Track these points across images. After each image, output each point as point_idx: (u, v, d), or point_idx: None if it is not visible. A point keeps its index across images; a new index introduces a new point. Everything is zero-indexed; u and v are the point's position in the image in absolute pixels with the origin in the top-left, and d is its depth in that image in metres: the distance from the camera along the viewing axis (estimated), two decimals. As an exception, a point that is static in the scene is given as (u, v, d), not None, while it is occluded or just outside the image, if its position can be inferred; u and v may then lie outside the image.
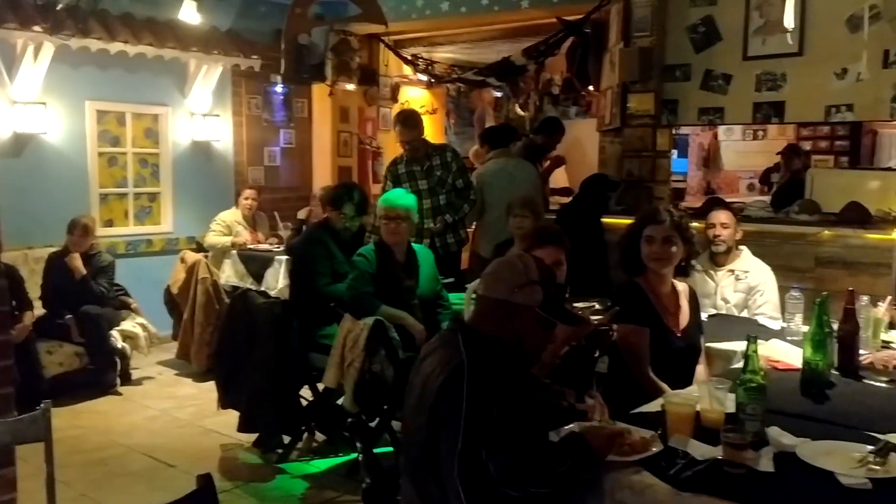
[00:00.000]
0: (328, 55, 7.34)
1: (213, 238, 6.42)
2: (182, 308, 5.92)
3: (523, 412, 2.04)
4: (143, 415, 5.02)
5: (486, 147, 6.18)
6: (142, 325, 5.76)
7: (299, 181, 7.82)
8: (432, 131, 8.83)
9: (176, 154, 6.86)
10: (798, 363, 2.74)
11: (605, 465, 1.99)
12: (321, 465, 4.18)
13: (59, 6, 5.73)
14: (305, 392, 4.35)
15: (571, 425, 2.20)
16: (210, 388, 4.77)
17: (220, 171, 7.18)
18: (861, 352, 2.88)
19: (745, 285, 4.00)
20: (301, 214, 6.88)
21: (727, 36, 5.46)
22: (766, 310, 3.92)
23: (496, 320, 2.16)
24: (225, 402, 4.34)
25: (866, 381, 2.75)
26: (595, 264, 5.01)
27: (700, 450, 2.03)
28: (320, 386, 4.18)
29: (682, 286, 3.10)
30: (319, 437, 4.43)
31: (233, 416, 4.29)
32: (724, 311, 3.98)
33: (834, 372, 2.76)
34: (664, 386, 2.77)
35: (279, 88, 7.52)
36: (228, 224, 6.52)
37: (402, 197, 4.11)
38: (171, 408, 5.13)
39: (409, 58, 8.00)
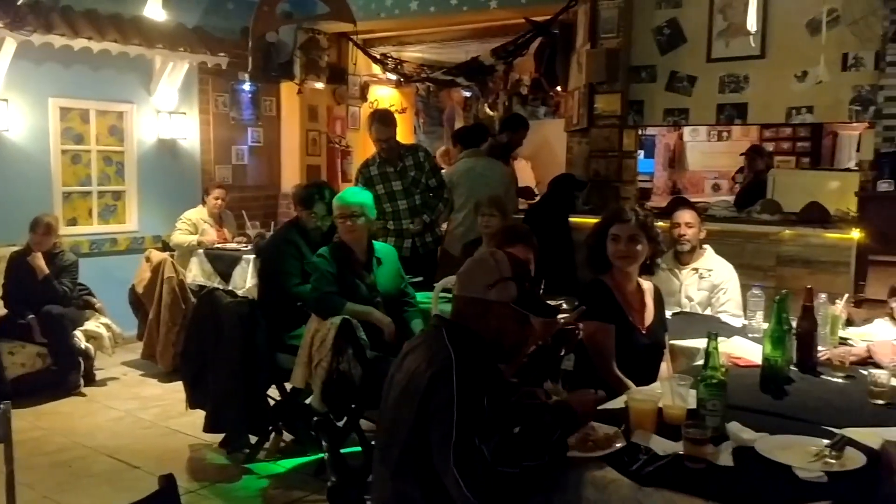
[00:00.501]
0: (296, 53, 7.31)
1: (180, 237, 6.35)
2: (147, 308, 5.85)
3: (511, 400, 2.10)
4: (108, 416, 4.96)
5: (458, 147, 6.22)
6: (106, 325, 5.69)
7: (267, 180, 7.77)
8: (402, 130, 8.79)
9: (141, 152, 6.77)
10: (759, 360, 2.79)
11: (570, 462, 2.02)
12: (288, 464, 4.16)
13: (21, 1, 5.63)
14: (273, 392, 4.33)
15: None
16: (176, 389, 4.73)
17: (187, 170, 7.10)
18: (819, 348, 2.94)
19: (709, 283, 4.07)
20: None
21: (692, 38, 5.55)
22: (729, 307, 3.99)
23: (473, 318, 2.19)
24: (191, 402, 4.30)
25: (824, 376, 2.82)
26: (563, 263, 5.06)
27: (662, 445, 2.07)
28: (288, 386, 4.16)
29: (647, 284, 3.15)
30: (287, 437, 4.41)
31: (199, 416, 4.25)
32: (688, 309, 4.05)
33: (793, 368, 2.81)
34: (629, 383, 2.81)
35: (247, 86, 7.46)
36: (195, 222, 6.45)
37: (356, 194, 4.07)
38: (135, 408, 5.07)
39: (379, 57, 7.99)
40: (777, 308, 2.70)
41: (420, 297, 4.28)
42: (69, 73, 6.25)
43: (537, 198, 6.63)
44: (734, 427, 2.16)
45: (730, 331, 3.51)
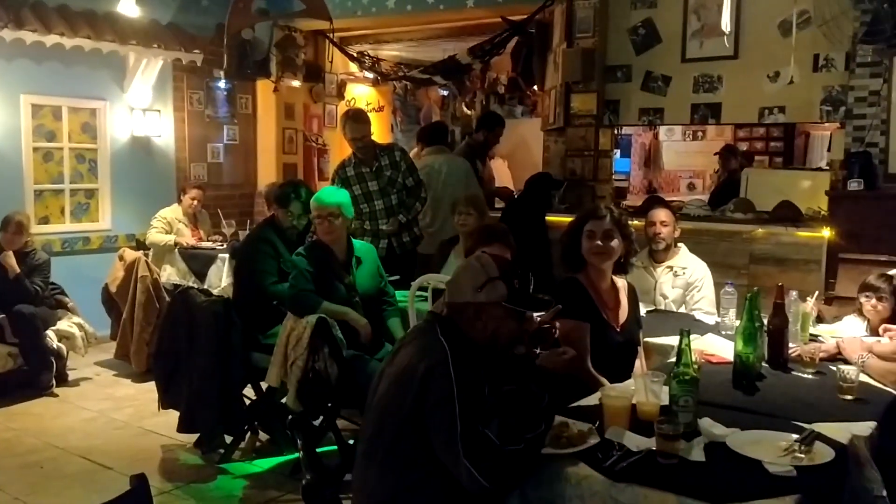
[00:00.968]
0: (272, 51, 7.26)
1: (156, 235, 6.29)
2: (121, 307, 5.79)
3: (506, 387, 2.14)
4: (80, 416, 4.90)
5: (420, 145, 6.28)
6: (78, 325, 5.62)
7: (243, 178, 7.72)
8: (379, 129, 8.82)
9: (114, 150, 6.70)
10: (731, 357, 2.82)
11: (544, 458, 2.03)
12: (264, 464, 4.14)
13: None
14: (249, 391, 4.31)
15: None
16: (149, 389, 4.69)
17: (161, 168, 7.04)
18: (790, 345, 2.99)
19: (683, 281, 4.11)
20: None
21: (666, 38, 5.60)
22: (703, 305, 4.04)
23: (466, 323, 2.20)
24: (165, 402, 4.26)
25: (794, 372, 2.86)
26: (539, 262, 5.08)
27: (635, 441, 2.09)
28: (264, 385, 4.14)
29: (621, 282, 3.17)
30: (263, 436, 4.39)
31: (172, 416, 4.22)
32: (662, 307, 4.08)
33: (764, 364, 2.86)
34: (603, 380, 2.83)
35: (222, 84, 7.40)
36: (169, 221, 6.39)
37: (333, 194, 4.04)
38: (108, 409, 5.02)
39: (355, 55, 7.97)
40: (749, 305, 2.73)
41: (398, 295, 4.28)
42: (41, 69, 6.16)
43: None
44: (706, 423, 2.19)
45: (703, 328, 3.55)
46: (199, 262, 6.10)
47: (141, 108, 6.76)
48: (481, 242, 3.44)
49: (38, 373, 5.26)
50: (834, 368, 2.75)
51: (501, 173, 8.06)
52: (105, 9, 6.30)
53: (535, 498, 2.01)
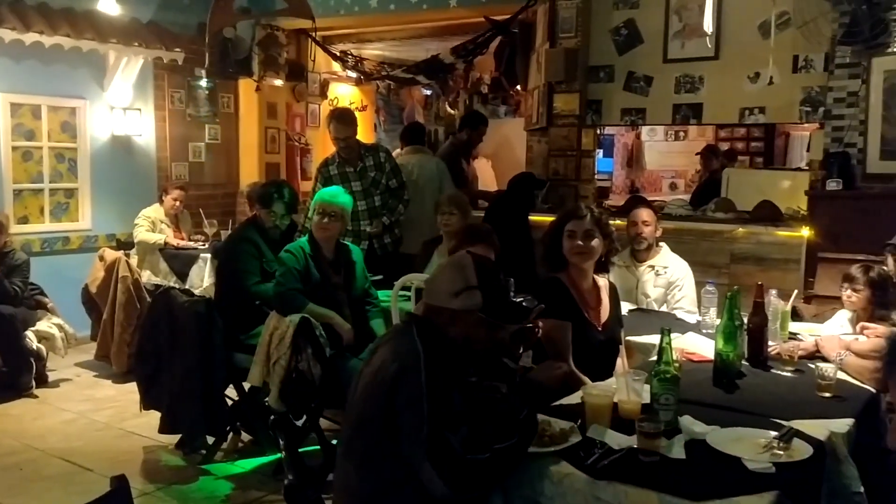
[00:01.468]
0: (255, 50, 7.23)
1: (146, 234, 6.23)
2: (101, 308, 5.74)
3: (480, 391, 2.12)
4: (60, 418, 4.86)
5: (402, 145, 6.33)
6: (58, 326, 5.56)
7: (225, 178, 7.67)
8: (362, 128, 8.78)
9: (95, 149, 6.64)
10: (712, 355, 2.85)
11: (526, 456, 2.03)
12: (246, 465, 4.12)
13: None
14: (231, 392, 4.29)
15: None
16: (130, 390, 4.65)
17: (142, 167, 6.98)
18: (769, 343, 3.02)
19: (665, 280, 4.14)
20: None
21: (648, 39, 5.64)
22: (684, 304, 4.07)
23: (441, 325, 2.19)
24: (146, 403, 4.24)
25: (774, 370, 2.89)
26: (522, 261, 5.09)
27: (616, 439, 2.10)
28: (246, 385, 4.12)
29: (602, 281, 3.19)
30: (246, 437, 4.37)
31: (154, 417, 4.19)
32: (644, 306, 4.11)
33: (744, 362, 2.88)
34: (585, 379, 2.84)
35: (204, 82, 7.35)
36: (153, 220, 6.35)
37: (341, 195, 4.10)
38: (88, 410, 4.98)
39: (338, 54, 7.95)
40: (729, 304, 2.76)
41: (381, 295, 4.28)
42: (20, 67, 6.09)
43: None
44: (686, 420, 2.21)
45: (685, 327, 3.58)
46: (180, 262, 6.07)
47: (121, 107, 6.71)
48: (465, 242, 3.45)
49: (18, 374, 5.20)
50: (812, 366, 2.78)
51: (485, 173, 8.07)
52: (85, 7, 6.25)
53: (517, 496, 2.02)
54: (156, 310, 4.29)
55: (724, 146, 9.56)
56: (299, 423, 3.85)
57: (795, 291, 3.53)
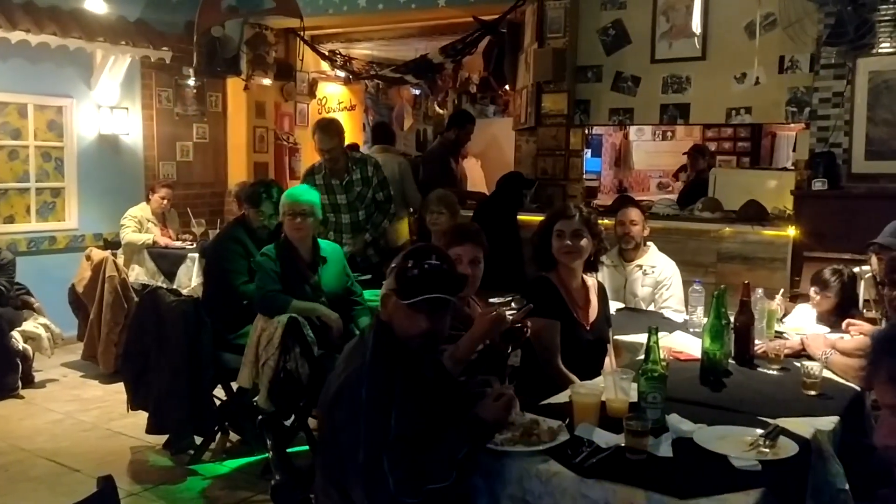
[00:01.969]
0: (243, 49, 7.21)
1: (133, 235, 6.20)
2: (88, 308, 5.71)
3: (424, 411, 2.00)
4: (46, 418, 4.83)
5: (371, 142, 6.42)
6: (45, 326, 5.53)
7: (213, 177, 7.64)
8: (351, 128, 8.79)
9: (81, 148, 6.60)
10: (699, 354, 2.86)
11: (514, 455, 2.04)
12: (234, 465, 4.11)
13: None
14: (220, 392, 4.27)
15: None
16: (117, 390, 4.63)
17: (129, 166, 6.95)
18: (756, 342, 3.04)
19: (653, 280, 4.16)
20: None
21: (636, 39, 5.66)
22: (672, 303, 4.09)
23: (388, 321, 2.12)
24: (134, 403, 4.22)
25: (760, 369, 2.91)
26: (511, 260, 5.10)
27: (604, 438, 2.11)
28: (234, 385, 4.11)
29: (591, 281, 3.20)
30: (234, 437, 4.36)
31: (141, 417, 4.17)
32: (632, 305, 4.13)
33: (731, 361, 2.90)
34: (573, 377, 2.86)
35: (192, 81, 7.32)
36: (140, 220, 6.32)
37: (306, 192, 4.03)
38: (75, 410, 4.95)
39: (327, 54, 7.94)
40: (715, 303, 2.77)
41: (368, 294, 4.26)
42: (6, 66, 6.05)
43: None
44: (674, 419, 2.22)
45: (672, 326, 3.60)
46: (168, 262, 6.04)
47: (108, 106, 6.67)
48: (453, 242, 3.44)
49: (4, 374, 5.16)
50: (798, 365, 2.80)
51: (474, 173, 8.08)
52: (71, 5, 6.21)
53: (504, 495, 2.02)
54: (143, 310, 4.27)
55: (712, 146, 9.60)
56: (287, 422, 3.84)
57: (782, 290, 3.56)
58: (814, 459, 2.17)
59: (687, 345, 3.19)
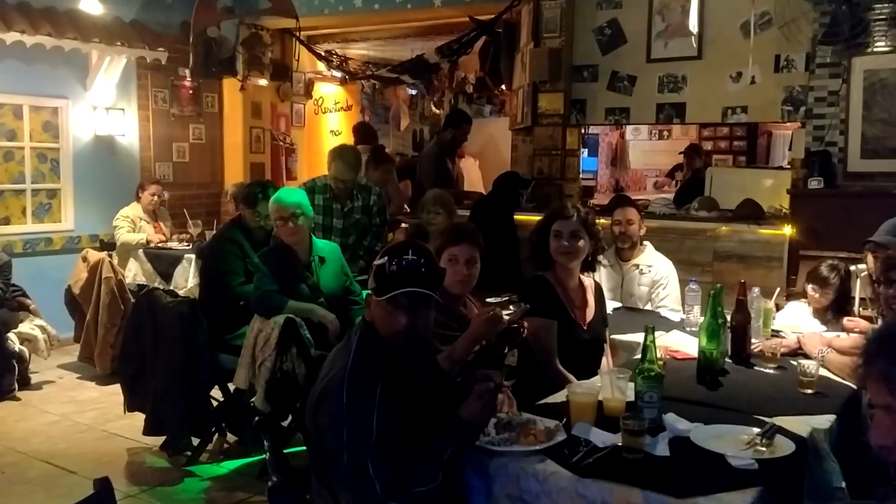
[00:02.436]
0: (239, 49, 7.20)
1: (127, 235, 6.18)
2: (84, 309, 5.70)
3: (407, 412, 1.98)
4: (43, 420, 4.82)
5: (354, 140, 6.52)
6: (41, 327, 5.52)
7: (209, 178, 7.63)
8: (347, 128, 8.80)
9: (77, 149, 6.59)
10: (695, 353, 2.86)
11: (511, 454, 2.04)
12: (231, 466, 4.10)
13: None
14: (217, 393, 4.27)
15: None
16: (114, 392, 4.62)
17: (126, 167, 6.93)
18: (752, 340, 3.04)
19: (649, 279, 4.16)
20: None
21: (632, 39, 5.67)
22: (668, 302, 4.09)
23: (373, 320, 2.12)
24: (130, 404, 4.21)
25: (756, 367, 2.91)
26: (507, 260, 5.10)
27: (601, 437, 2.11)
28: (231, 386, 4.11)
29: (588, 281, 3.20)
30: (231, 438, 4.35)
31: (138, 419, 4.17)
32: (629, 304, 4.13)
33: (727, 360, 2.90)
34: (570, 377, 2.86)
35: (188, 82, 7.31)
36: (132, 220, 6.31)
37: (291, 194, 3.97)
38: (72, 412, 4.94)
39: (323, 54, 7.94)
40: (712, 302, 2.77)
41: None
42: (1, 67, 6.04)
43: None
44: (670, 418, 2.22)
45: (669, 325, 3.60)
46: (164, 263, 6.02)
47: (104, 107, 6.66)
48: (450, 242, 3.44)
49: (0, 376, 5.15)
50: (795, 363, 2.80)
51: (471, 172, 8.08)
52: (67, 6, 6.20)
53: (501, 495, 2.02)
54: (139, 311, 4.27)
55: (708, 145, 9.61)
56: (284, 423, 3.84)
57: (778, 289, 3.57)
58: (810, 458, 2.17)
59: (683, 344, 3.19)
